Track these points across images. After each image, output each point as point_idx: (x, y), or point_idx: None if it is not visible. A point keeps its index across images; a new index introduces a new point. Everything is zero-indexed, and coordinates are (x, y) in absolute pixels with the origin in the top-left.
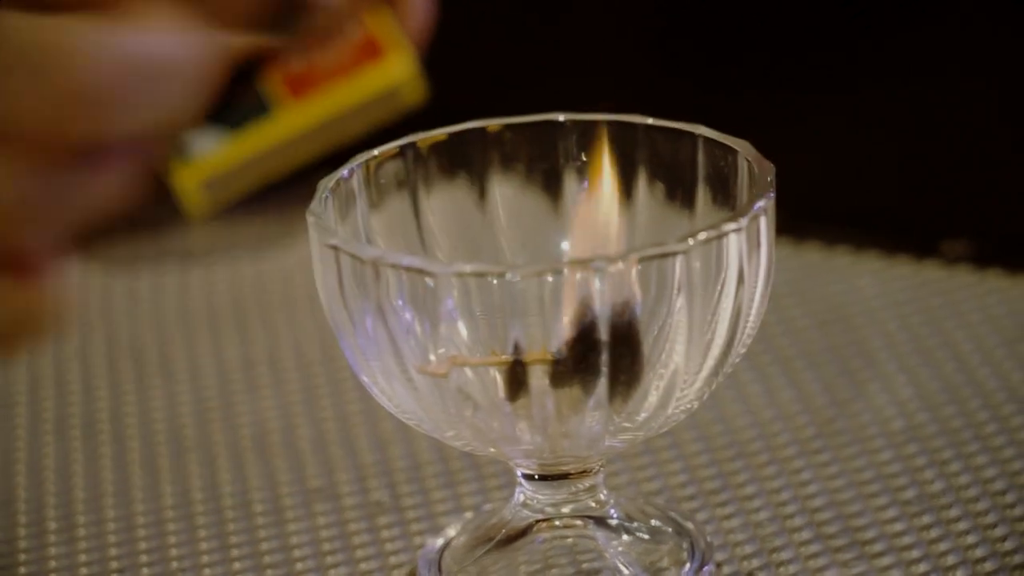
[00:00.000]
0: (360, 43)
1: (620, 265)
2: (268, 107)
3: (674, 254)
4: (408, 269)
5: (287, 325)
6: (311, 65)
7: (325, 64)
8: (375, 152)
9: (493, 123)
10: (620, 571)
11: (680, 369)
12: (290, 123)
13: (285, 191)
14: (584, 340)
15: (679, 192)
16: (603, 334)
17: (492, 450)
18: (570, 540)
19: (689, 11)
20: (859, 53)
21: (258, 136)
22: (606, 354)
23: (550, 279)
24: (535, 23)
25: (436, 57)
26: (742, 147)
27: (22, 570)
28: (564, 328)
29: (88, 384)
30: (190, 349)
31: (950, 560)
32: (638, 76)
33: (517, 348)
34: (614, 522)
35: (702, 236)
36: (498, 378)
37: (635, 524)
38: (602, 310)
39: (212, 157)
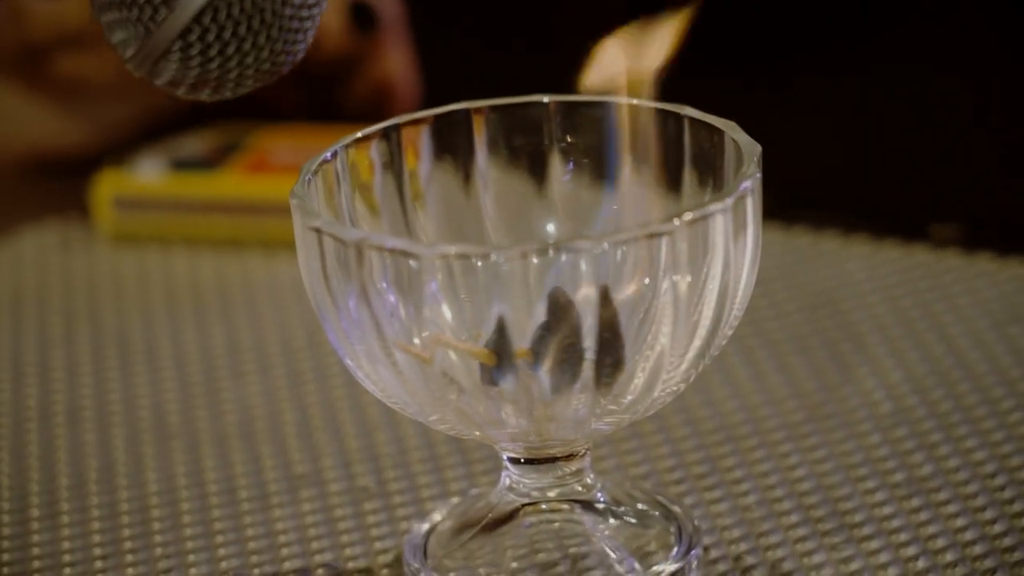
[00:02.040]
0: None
1: (605, 246)
2: (215, 164)
3: (660, 235)
4: (392, 251)
5: (272, 310)
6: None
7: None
8: (359, 134)
9: (478, 105)
10: (607, 555)
11: (666, 351)
12: (224, 184)
13: None
14: (569, 322)
15: (665, 173)
16: (588, 316)
17: (477, 434)
18: (557, 524)
19: None
20: (848, 38)
21: (190, 181)
22: (592, 336)
23: (535, 261)
24: (520, 3)
25: (420, 39)
26: (728, 127)
27: (5, 557)
28: (549, 310)
29: (72, 371)
30: (175, 335)
31: (939, 543)
32: None
33: (501, 332)
34: (601, 506)
35: (688, 217)
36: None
37: (622, 508)
38: (587, 291)
39: (136, 179)
